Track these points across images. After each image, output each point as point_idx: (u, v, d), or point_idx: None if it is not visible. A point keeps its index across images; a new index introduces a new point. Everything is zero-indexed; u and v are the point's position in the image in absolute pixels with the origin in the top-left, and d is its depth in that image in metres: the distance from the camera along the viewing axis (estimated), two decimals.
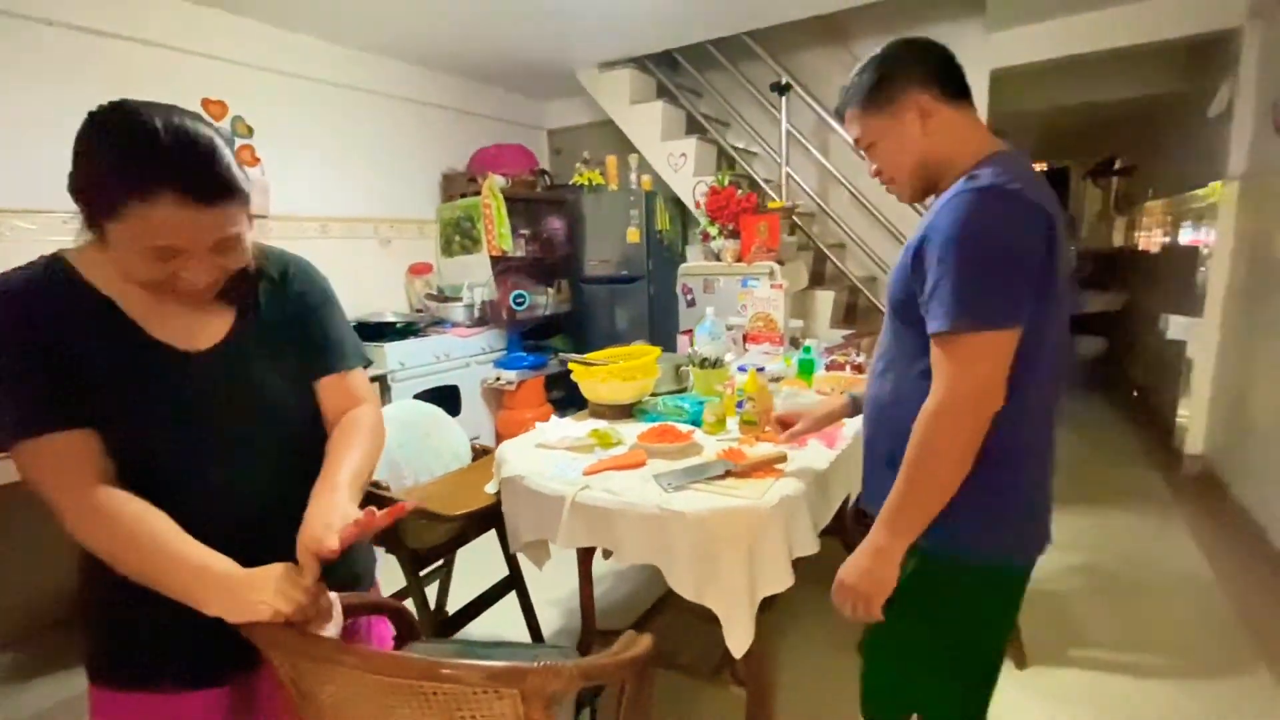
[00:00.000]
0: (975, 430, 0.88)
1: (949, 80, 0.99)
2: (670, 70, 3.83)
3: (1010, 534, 0.98)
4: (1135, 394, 4.53)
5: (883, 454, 1.04)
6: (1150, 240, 4.71)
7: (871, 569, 0.96)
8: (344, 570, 0.97)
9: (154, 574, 0.77)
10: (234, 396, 0.88)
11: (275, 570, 0.77)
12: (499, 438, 3.57)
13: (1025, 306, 0.86)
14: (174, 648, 0.87)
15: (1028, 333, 0.87)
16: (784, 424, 1.46)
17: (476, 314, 3.54)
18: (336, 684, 0.77)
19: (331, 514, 0.81)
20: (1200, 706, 1.73)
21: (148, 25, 2.54)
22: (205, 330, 0.87)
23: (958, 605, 1.00)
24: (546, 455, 1.62)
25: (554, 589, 2.34)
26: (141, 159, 0.70)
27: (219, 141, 0.76)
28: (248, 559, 0.79)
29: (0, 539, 2.20)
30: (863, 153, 1.08)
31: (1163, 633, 2.05)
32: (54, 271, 0.80)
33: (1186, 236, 3.66)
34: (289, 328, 0.95)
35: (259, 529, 0.86)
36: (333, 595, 0.83)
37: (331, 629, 0.81)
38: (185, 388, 0.84)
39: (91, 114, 0.72)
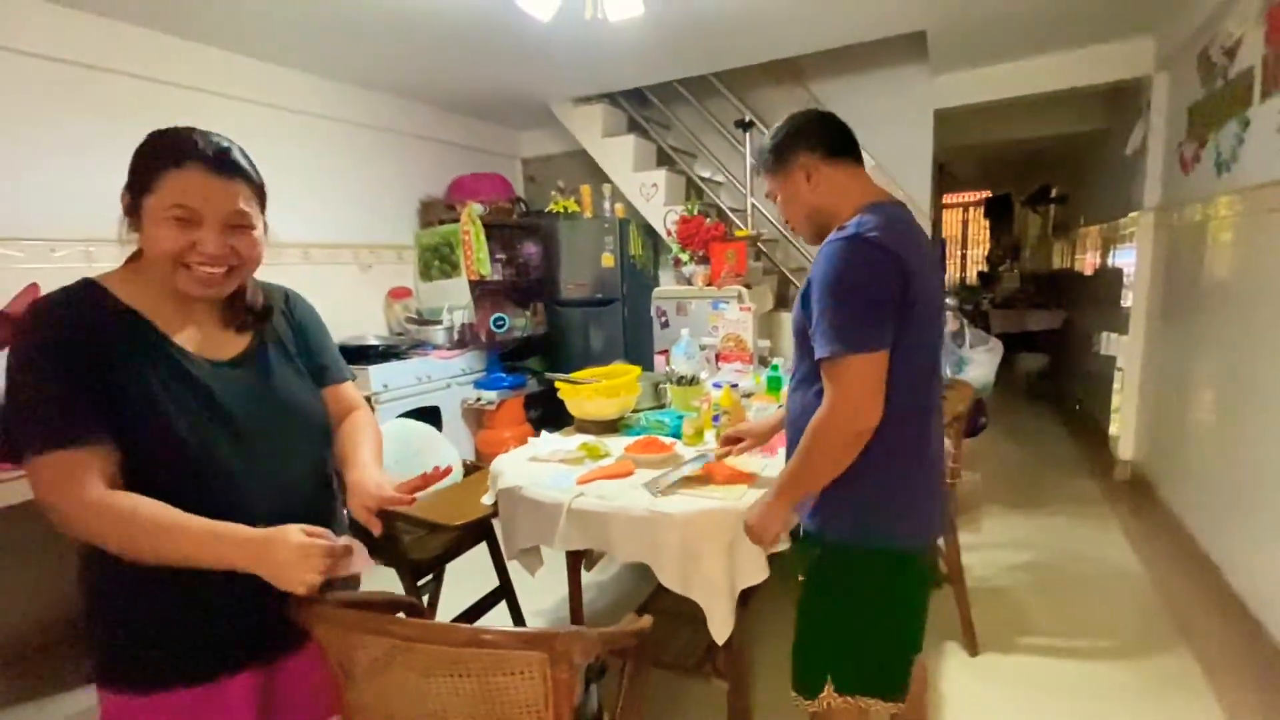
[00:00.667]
0: (851, 435, 1.07)
1: (835, 145, 1.19)
2: (640, 104, 4.05)
3: (894, 524, 1.15)
4: (1077, 407, 4.87)
5: (789, 454, 1.24)
6: (1084, 263, 5.10)
7: (763, 516, 1.21)
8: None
9: (186, 550, 0.83)
10: (263, 397, 0.99)
11: (291, 536, 0.84)
12: (480, 456, 3.65)
13: (886, 333, 1.05)
14: (184, 644, 0.92)
15: (895, 354, 1.06)
16: (730, 441, 1.62)
17: (456, 336, 3.64)
18: (381, 655, 0.88)
19: (376, 477, 1.01)
20: (1132, 682, 1.94)
21: (137, 59, 2.61)
22: (227, 345, 0.99)
23: (855, 584, 1.17)
24: (540, 467, 1.74)
25: (541, 600, 2.43)
26: (179, 143, 0.90)
27: (238, 146, 0.95)
28: None
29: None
30: (771, 203, 1.32)
31: (1099, 620, 2.27)
32: (91, 290, 0.91)
33: (1113, 261, 4.01)
34: (295, 346, 1.10)
35: (281, 515, 0.91)
36: (346, 537, 0.92)
37: (358, 564, 0.90)
38: (215, 390, 0.93)
39: (154, 133, 0.91)
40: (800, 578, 1.23)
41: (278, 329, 1.08)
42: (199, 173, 0.88)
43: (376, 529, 0.91)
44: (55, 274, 2.34)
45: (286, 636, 0.98)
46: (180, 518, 0.84)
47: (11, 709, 2.05)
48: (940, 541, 2.03)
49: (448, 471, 1.09)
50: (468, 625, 0.82)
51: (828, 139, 1.20)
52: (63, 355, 0.85)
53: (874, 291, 1.04)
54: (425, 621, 0.84)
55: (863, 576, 1.17)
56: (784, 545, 1.50)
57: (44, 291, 2.26)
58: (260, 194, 0.99)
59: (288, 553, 0.84)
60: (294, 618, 0.90)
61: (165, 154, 0.88)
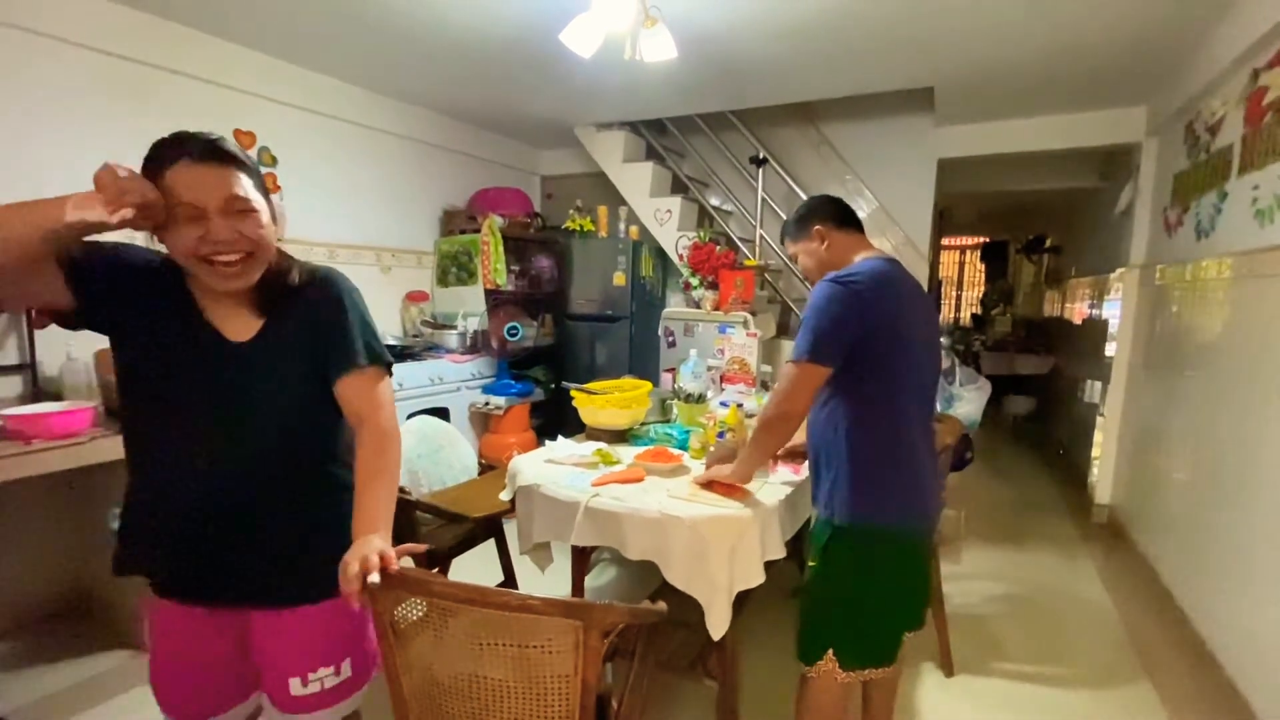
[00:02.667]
0: (779, 416, 1.41)
1: (841, 217, 1.56)
2: (658, 133, 4.24)
3: (891, 508, 1.39)
4: (1060, 451, 5.03)
5: (813, 460, 1.51)
6: (1073, 312, 5.30)
7: (726, 479, 1.62)
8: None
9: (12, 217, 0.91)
10: (244, 384, 1.06)
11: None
12: (483, 456, 3.76)
13: (834, 354, 1.33)
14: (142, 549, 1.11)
15: (881, 373, 1.36)
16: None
17: (469, 342, 3.77)
18: (429, 615, 1.00)
19: (366, 552, 0.94)
20: (1096, 709, 2.06)
21: (188, 59, 2.76)
22: (244, 328, 1.07)
23: (859, 562, 1.40)
24: (556, 469, 1.87)
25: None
26: (167, 145, 0.97)
27: (228, 138, 1.00)
28: (222, 516, 1.06)
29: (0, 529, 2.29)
30: (794, 263, 1.64)
31: (1068, 651, 2.40)
32: (170, 260, 1.03)
33: (1100, 313, 4.20)
34: (308, 330, 1.09)
35: (236, 490, 1.05)
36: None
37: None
38: (211, 365, 1.05)
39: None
40: (811, 562, 1.45)
41: (292, 316, 1.09)
42: (189, 166, 0.94)
43: (354, 605, 0.92)
44: None
45: (256, 594, 1.12)
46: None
47: (16, 673, 2.13)
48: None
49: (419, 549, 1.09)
50: (514, 592, 0.94)
51: (837, 213, 1.56)
52: (121, 252, 1.03)
53: (835, 324, 1.33)
54: (477, 585, 0.96)
55: (863, 554, 1.39)
56: (781, 555, 1.64)
57: None
58: (257, 178, 1.03)
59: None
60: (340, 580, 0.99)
61: (159, 158, 0.95)
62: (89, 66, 2.47)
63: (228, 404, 1.05)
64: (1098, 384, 3.88)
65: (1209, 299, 2.52)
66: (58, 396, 2.26)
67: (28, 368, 2.30)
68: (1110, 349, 3.68)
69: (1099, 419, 3.75)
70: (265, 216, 1.03)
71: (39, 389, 2.31)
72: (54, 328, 2.29)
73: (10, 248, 0.87)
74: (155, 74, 2.67)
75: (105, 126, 2.52)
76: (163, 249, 1.02)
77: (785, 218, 1.66)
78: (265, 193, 1.05)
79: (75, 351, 2.31)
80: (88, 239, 0.96)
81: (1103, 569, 3.11)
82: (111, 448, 2.13)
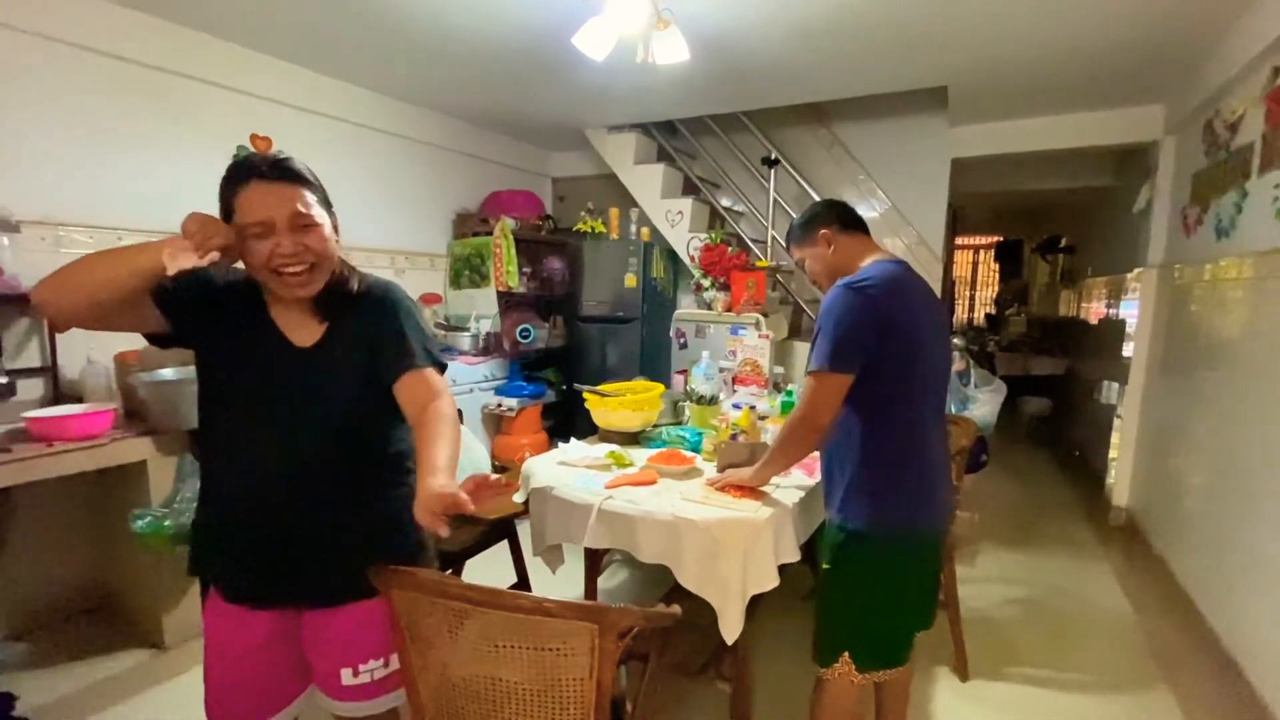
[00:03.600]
0: (806, 430, 1.42)
1: (846, 220, 1.55)
2: (669, 135, 4.24)
3: (905, 512, 1.40)
4: (1076, 452, 4.97)
5: (825, 463, 1.51)
6: (1089, 313, 5.24)
7: (744, 482, 1.65)
8: (411, 540, 1.20)
9: (97, 265, 1.02)
10: (310, 385, 1.13)
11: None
12: (495, 457, 3.78)
13: (853, 362, 1.33)
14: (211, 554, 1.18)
15: (896, 377, 1.35)
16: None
17: (481, 344, 3.79)
18: (445, 619, 1.01)
19: (441, 482, 1.00)
20: (1112, 716, 2.04)
21: (205, 64, 2.79)
22: (308, 334, 1.14)
23: (871, 565, 1.40)
24: (569, 471, 1.87)
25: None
26: (239, 166, 1.06)
27: (295, 158, 1.09)
28: (278, 510, 1.11)
29: (18, 534, 2.33)
30: (800, 267, 1.65)
31: (1085, 656, 2.37)
32: (247, 274, 1.13)
33: (1117, 313, 4.15)
34: (366, 335, 1.15)
35: (292, 491, 1.11)
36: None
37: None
38: (280, 368, 1.13)
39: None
40: (825, 565, 1.45)
41: (352, 322, 1.15)
42: (260, 185, 1.03)
43: (444, 531, 0.96)
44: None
45: (313, 594, 1.16)
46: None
47: (37, 672, 2.17)
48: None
49: (509, 487, 1.24)
50: (530, 595, 0.95)
51: (842, 216, 1.56)
52: (203, 275, 1.09)
53: (852, 330, 1.33)
54: (494, 588, 0.96)
55: (876, 557, 1.40)
56: (795, 558, 1.63)
57: None
58: (321, 195, 1.11)
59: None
60: (374, 582, 1.04)
61: (232, 179, 1.05)
62: (107, 72, 2.51)
63: (293, 405, 1.12)
64: (1115, 385, 3.84)
65: (1229, 299, 2.49)
66: (79, 399, 2.30)
67: (49, 370, 2.34)
68: (1128, 349, 3.63)
69: (1116, 420, 3.71)
70: (327, 230, 1.10)
71: (60, 391, 2.35)
72: (75, 331, 2.34)
73: (113, 290, 0.99)
74: (173, 80, 2.70)
75: (125, 131, 2.56)
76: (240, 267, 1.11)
77: (796, 216, 1.63)
78: (329, 206, 1.13)
79: (95, 355, 2.35)
80: None
81: (1120, 572, 3.07)
82: (131, 449, 2.16)
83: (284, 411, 1.11)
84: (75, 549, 2.49)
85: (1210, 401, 2.59)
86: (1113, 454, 3.71)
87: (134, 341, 2.49)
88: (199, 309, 1.11)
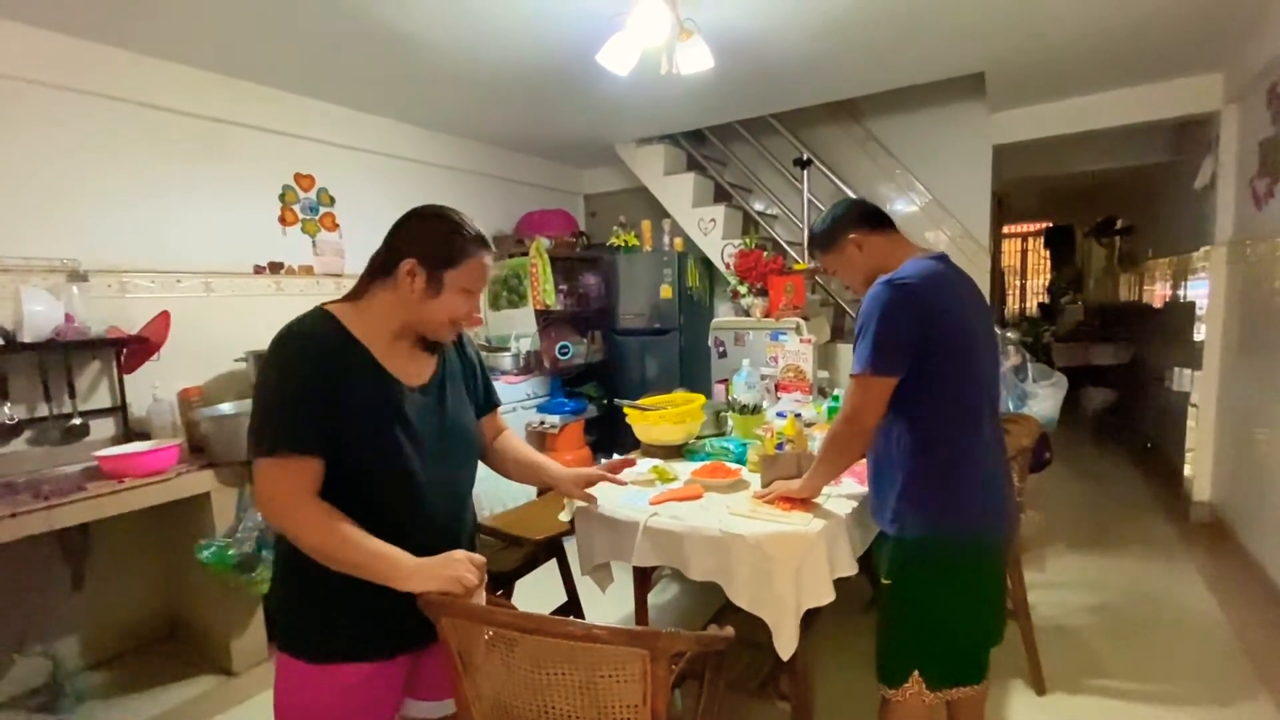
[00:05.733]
0: (852, 433, 1.38)
1: (872, 219, 1.48)
2: (698, 143, 4.23)
3: (965, 516, 1.33)
4: (1148, 445, 4.69)
5: (874, 473, 1.46)
6: (1153, 296, 4.96)
7: (794, 494, 1.59)
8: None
9: (360, 562, 1.02)
10: (443, 419, 1.18)
11: (458, 553, 1.06)
12: None
13: (898, 363, 1.28)
14: (354, 629, 1.10)
15: (944, 376, 1.30)
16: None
17: (522, 363, 3.83)
18: (496, 647, 1.00)
19: (584, 469, 1.47)
20: None
21: (252, 111, 2.92)
22: (420, 374, 1.17)
23: (933, 575, 1.34)
24: (614, 488, 1.85)
25: (607, 616, 2.52)
26: (482, 237, 1.14)
27: None
28: (446, 541, 1.11)
29: (95, 568, 2.44)
30: (830, 275, 1.55)
31: (1172, 665, 2.21)
32: (330, 321, 1.09)
33: (1184, 294, 3.91)
34: (467, 375, 1.30)
35: (451, 518, 1.19)
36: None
37: (479, 596, 1.06)
38: (411, 412, 1.12)
39: (422, 210, 1.14)
40: (885, 581, 1.40)
41: (454, 361, 1.27)
42: (489, 258, 1.15)
43: (594, 502, 1.47)
44: (180, 302, 2.65)
45: (433, 628, 1.12)
46: (362, 537, 1.02)
47: (113, 701, 2.26)
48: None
49: (630, 462, 1.61)
50: (579, 622, 0.93)
51: (868, 216, 1.48)
52: (309, 375, 1.03)
53: (895, 329, 1.28)
54: (543, 615, 0.95)
55: (939, 567, 1.34)
56: (852, 571, 1.57)
57: (173, 317, 2.51)
58: None
59: (448, 561, 1.05)
60: (423, 610, 1.04)
61: (475, 242, 1.12)
62: (163, 125, 2.65)
63: (437, 440, 1.16)
64: (1186, 371, 3.61)
65: None
66: (147, 436, 2.41)
67: (119, 410, 2.46)
68: (1199, 332, 3.42)
69: (1191, 408, 3.48)
70: None
71: (130, 429, 2.47)
72: (142, 370, 2.44)
73: (346, 570, 1.03)
74: (223, 128, 2.84)
75: (180, 179, 2.70)
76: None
77: (815, 225, 1.56)
78: None
79: (160, 393, 2.46)
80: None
81: (1206, 572, 2.86)
82: (195, 482, 2.25)
83: (429, 449, 1.14)
84: (148, 580, 2.61)
85: None
86: (1190, 445, 3.48)
87: (196, 377, 2.65)
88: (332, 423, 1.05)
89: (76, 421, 2.30)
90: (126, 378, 2.47)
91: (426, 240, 1.10)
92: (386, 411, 1.09)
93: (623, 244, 4.24)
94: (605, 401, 4.21)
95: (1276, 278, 2.63)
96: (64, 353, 2.26)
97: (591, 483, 1.52)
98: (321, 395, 1.02)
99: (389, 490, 1.09)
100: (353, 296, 1.14)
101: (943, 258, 1.41)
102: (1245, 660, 2.21)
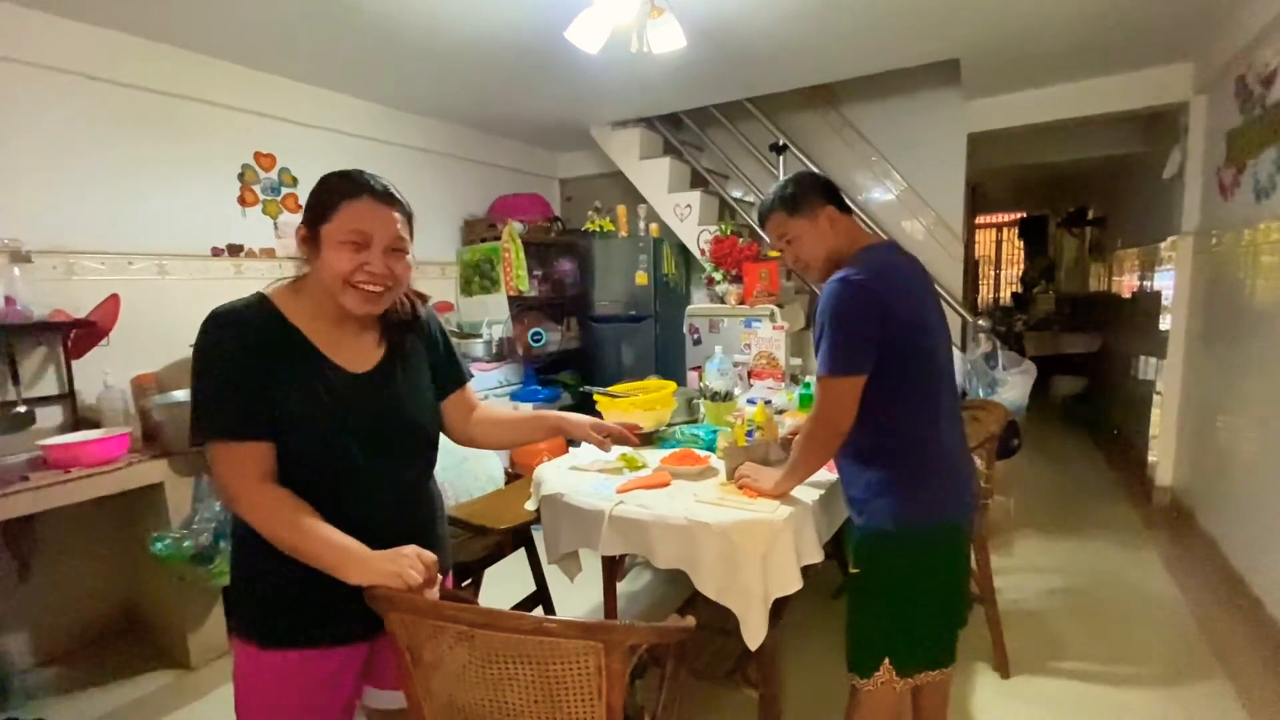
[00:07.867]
0: (827, 437, 1.36)
1: (840, 201, 1.44)
2: (675, 128, 4.17)
3: (932, 506, 1.34)
4: (1115, 432, 4.78)
5: (842, 465, 1.46)
6: (1121, 286, 5.04)
7: (770, 488, 1.54)
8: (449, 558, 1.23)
9: (308, 550, 0.98)
10: (389, 407, 1.12)
11: (407, 549, 1.01)
12: (514, 466, 3.75)
13: (864, 360, 1.27)
14: (309, 615, 1.07)
15: (905, 368, 1.29)
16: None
17: (494, 349, 3.77)
18: (446, 642, 0.97)
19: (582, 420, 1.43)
20: (1167, 710, 1.92)
21: (209, 86, 2.80)
22: (367, 358, 1.12)
23: (900, 563, 1.35)
24: (581, 476, 1.82)
25: (576, 605, 2.51)
26: (353, 179, 1.05)
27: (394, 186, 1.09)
28: (392, 533, 1.04)
29: (43, 561, 2.35)
30: (783, 245, 1.47)
31: (1134, 647, 2.25)
32: (262, 305, 1.05)
33: (1151, 285, 3.97)
34: (430, 353, 1.23)
35: (399, 509, 1.13)
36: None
37: (431, 594, 1.02)
38: (354, 400, 1.07)
39: (326, 174, 1.07)
40: (853, 570, 1.40)
41: (411, 341, 1.19)
42: (370, 202, 1.03)
43: (608, 448, 1.43)
44: (132, 285, 2.54)
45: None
46: (314, 524, 0.99)
47: (68, 696, 2.19)
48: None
49: (636, 428, 1.60)
50: (531, 614, 0.90)
51: (835, 195, 1.44)
52: (239, 360, 0.99)
53: (854, 328, 1.27)
54: (492, 609, 0.92)
55: (908, 556, 1.34)
56: (818, 559, 1.56)
57: (123, 301, 2.40)
58: (411, 224, 1.11)
59: (397, 556, 0.99)
60: (370, 604, 1.00)
61: (343, 188, 1.03)
62: (111, 99, 2.52)
63: (379, 429, 1.10)
64: (1152, 360, 3.67)
65: (1273, 263, 2.34)
66: (97, 424, 2.32)
67: (68, 397, 2.36)
68: (1165, 322, 3.47)
69: (1156, 396, 3.54)
70: (409, 259, 1.11)
71: (80, 417, 2.37)
72: (91, 356, 2.35)
73: (296, 556, 0.99)
74: (177, 103, 2.72)
75: (131, 156, 2.58)
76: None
77: (777, 189, 1.48)
78: (413, 235, 1.13)
79: (112, 379, 2.36)
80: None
81: (1167, 556, 2.92)
82: (148, 472, 2.17)
83: (375, 439, 1.09)
84: (101, 573, 2.52)
85: (1258, 371, 2.45)
86: (1154, 432, 3.55)
87: (151, 364, 2.55)
88: (266, 400, 1.01)
89: (21, 409, 2.20)
90: (76, 364, 2.37)
91: (314, 197, 1.05)
92: (319, 397, 1.04)
93: (598, 229, 4.18)
94: (580, 389, 4.17)
95: (1241, 268, 2.67)
96: (4, 337, 2.15)
97: (610, 434, 1.47)
98: (247, 381, 0.98)
99: (325, 478, 1.04)
100: (296, 279, 1.10)
101: (893, 246, 1.41)
102: (1202, 640, 2.26)
